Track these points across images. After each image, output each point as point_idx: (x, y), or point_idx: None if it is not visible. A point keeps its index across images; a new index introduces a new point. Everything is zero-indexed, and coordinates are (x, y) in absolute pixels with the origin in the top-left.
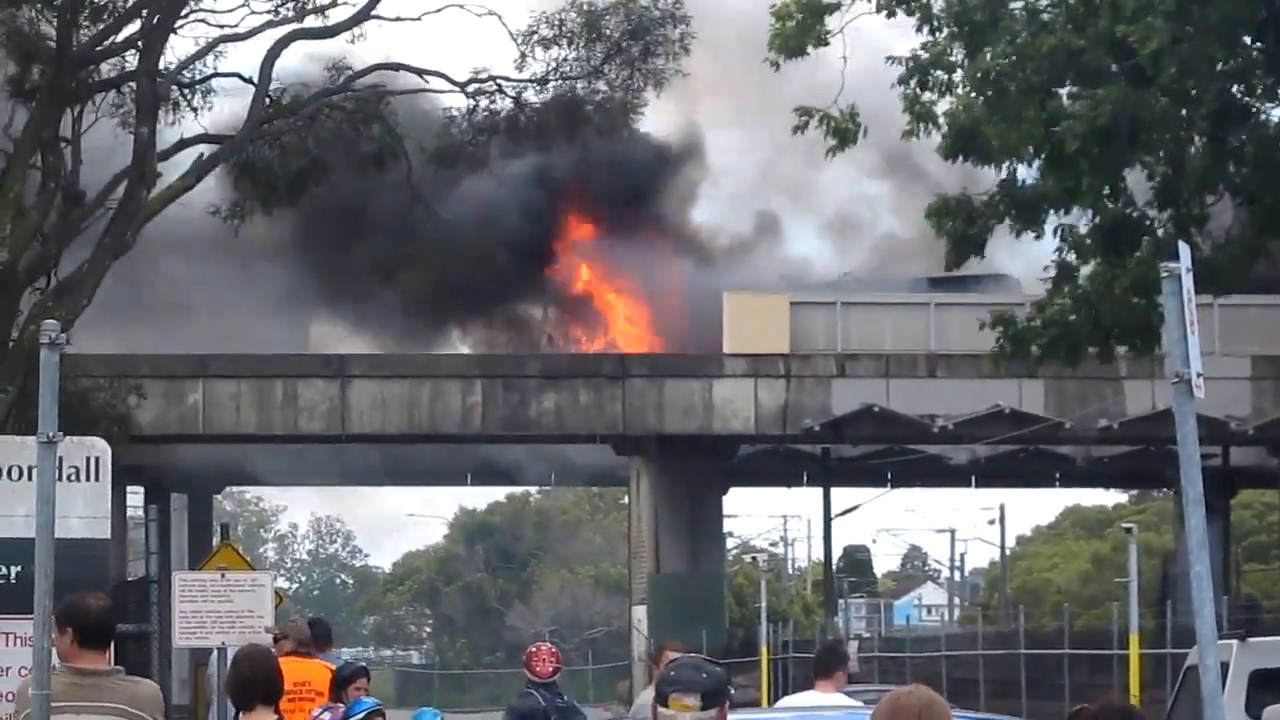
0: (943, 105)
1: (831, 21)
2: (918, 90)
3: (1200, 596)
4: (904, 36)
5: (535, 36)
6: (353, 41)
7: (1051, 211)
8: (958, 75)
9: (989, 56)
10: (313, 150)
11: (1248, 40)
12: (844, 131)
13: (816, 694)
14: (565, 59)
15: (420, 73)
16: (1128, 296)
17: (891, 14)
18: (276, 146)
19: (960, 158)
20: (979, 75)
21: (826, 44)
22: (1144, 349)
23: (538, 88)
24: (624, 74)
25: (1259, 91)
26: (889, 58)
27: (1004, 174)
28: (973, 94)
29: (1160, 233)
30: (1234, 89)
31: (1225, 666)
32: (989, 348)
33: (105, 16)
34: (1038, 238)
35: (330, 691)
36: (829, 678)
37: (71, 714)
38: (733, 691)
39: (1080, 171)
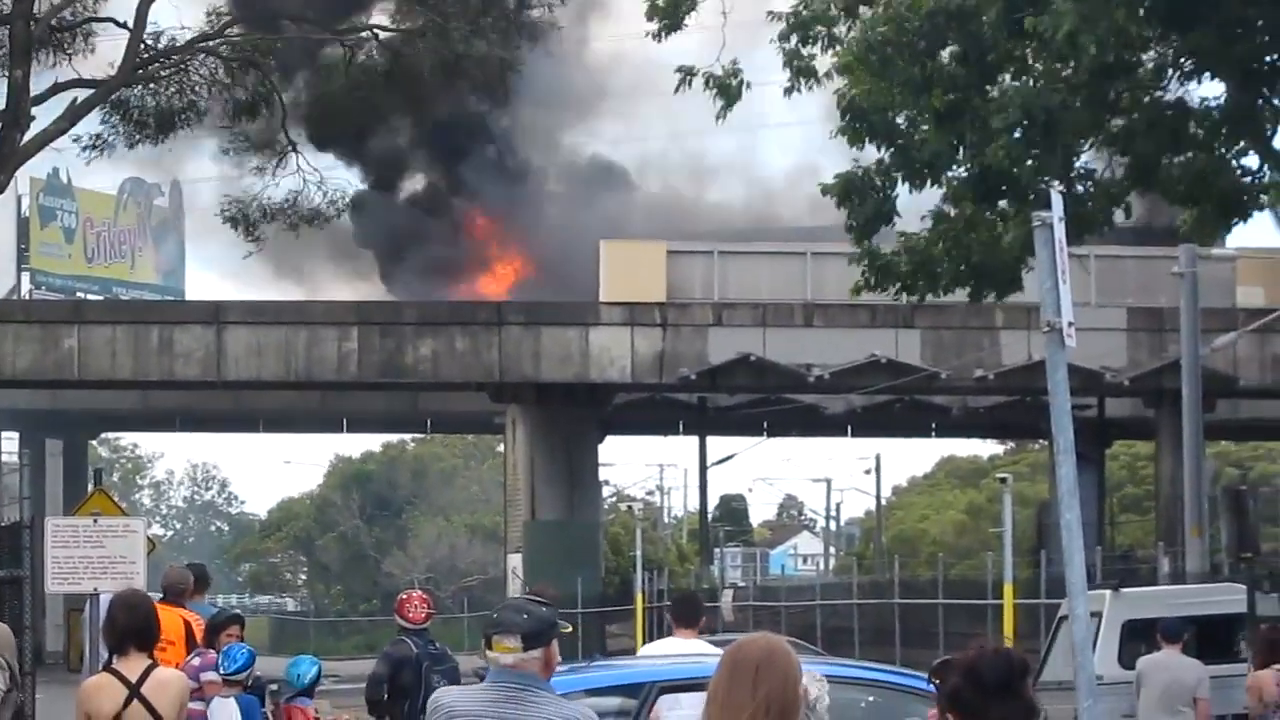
0: (824, 61)
1: None
2: (799, 47)
3: (1070, 545)
4: None
5: None
6: None
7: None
8: (839, 30)
9: (868, 20)
10: (189, 95)
11: None
12: (728, 89)
13: (676, 641)
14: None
15: (295, 20)
16: (993, 237)
17: None
18: (153, 91)
19: (865, 143)
20: (860, 42)
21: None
22: (1004, 291)
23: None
24: (501, 26)
25: (1138, 45)
26: (769, 13)
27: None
28: (856, 63)
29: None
30: (1113, 41)
31: (1098, 617)
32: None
33: None
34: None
35: (204, 638)
36: (689, 626)
37: None
38: (567, 628)
39: (963, 127)
